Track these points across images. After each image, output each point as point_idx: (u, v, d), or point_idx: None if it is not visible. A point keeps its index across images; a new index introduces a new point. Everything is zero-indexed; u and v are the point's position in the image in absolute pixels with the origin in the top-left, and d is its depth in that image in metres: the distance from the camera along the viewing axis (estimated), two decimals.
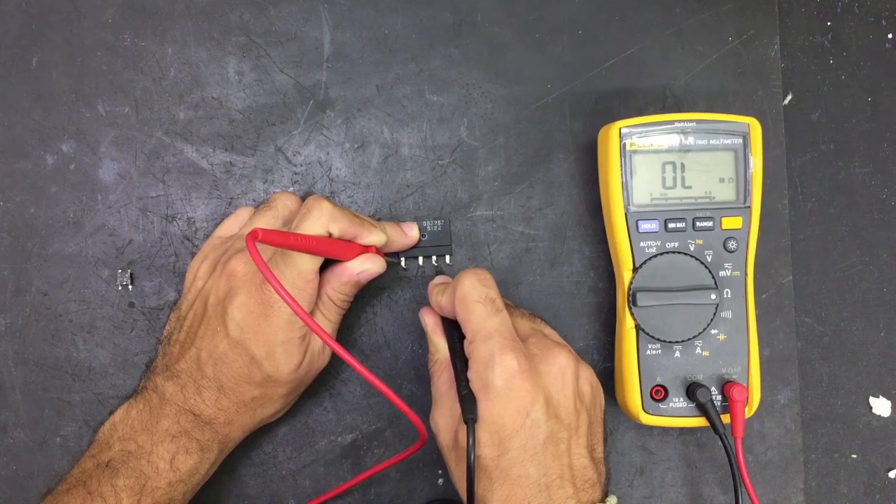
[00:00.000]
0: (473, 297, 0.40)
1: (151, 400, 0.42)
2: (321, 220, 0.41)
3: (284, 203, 0.46)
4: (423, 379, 0.49)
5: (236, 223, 0.48)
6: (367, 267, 0.44)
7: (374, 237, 0.44)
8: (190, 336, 0.43)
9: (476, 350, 0.39)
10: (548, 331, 0.43)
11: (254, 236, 0.36)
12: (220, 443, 0.43)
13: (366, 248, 0.44)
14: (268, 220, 0.45)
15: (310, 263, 0.41)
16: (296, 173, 0.49)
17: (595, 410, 0.41)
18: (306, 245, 0.39)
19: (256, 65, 0.49)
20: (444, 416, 0.41)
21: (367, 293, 0.48)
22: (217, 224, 0.48)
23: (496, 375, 0.37)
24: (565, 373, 0.39)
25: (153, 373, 0.43)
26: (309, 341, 0.43)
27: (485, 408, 0.37)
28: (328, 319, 0.44)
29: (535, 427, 0.37)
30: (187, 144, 0.49)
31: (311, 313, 0.43)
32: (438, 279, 0.47)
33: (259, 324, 0.41)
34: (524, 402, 0.37)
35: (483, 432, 0.37)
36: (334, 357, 0.46)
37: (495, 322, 0.39)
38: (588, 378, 0.41)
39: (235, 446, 0.45)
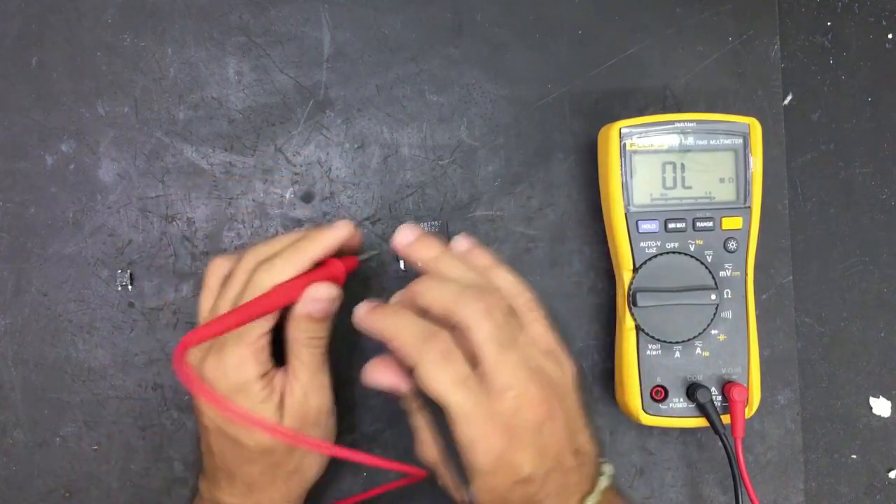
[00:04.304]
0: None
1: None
2: (271, 273, 0.39)
3: (214, 273, 0.42)
4: None
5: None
6: (309, 303, 0.40)
7: (321, 246, 0.41)
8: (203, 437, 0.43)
9: None
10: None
11: (184, 346, 0.34)
12: None
13: (328, 270, 0.42)
14: (205, 302, 0.42)
15: (242, 348, 0.39)
16: (296, 173, 0.49)
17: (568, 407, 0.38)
18: (244, 317, 0.37)
19: (256, 65, 0.49)
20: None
21: (367, 294, 0.48)
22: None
23: None
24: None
25: (201, 477, 0.44)
26: (279, 392, 0.41)
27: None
28: (301, 362, 0.41)
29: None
30: (187, 144, 0.49)
31: (287, 361, 0.42)
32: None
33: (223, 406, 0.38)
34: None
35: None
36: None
37: None
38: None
39: None
